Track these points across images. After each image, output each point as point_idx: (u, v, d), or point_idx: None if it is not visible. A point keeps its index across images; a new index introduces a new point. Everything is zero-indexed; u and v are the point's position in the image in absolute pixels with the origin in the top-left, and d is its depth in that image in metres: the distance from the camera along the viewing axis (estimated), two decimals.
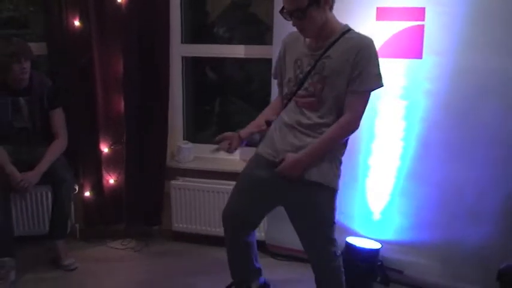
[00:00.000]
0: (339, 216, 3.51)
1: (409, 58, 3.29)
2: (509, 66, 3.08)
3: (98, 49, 3.92)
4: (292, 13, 2.48)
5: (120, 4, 3.84)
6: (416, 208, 3.42)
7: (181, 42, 4.13)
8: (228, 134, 2.87)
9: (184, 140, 4.23)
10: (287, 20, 2.55)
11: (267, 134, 2.79)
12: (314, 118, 2.61)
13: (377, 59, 2.53)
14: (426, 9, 3.22)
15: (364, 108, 2.58)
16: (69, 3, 3.86)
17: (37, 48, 3.87)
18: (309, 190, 2.66)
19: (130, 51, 3.89)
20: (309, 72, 2.60)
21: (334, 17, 2.61)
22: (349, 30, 2.60)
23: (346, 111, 2.57)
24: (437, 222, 3.37)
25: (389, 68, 3.30)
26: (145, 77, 3.92)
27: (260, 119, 2.89)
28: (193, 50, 4.19)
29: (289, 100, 2.70)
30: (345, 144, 2.72)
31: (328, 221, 2.74)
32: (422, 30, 3.24)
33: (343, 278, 2.90)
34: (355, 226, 3.56)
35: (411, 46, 3.27)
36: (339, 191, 2.73)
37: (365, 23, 3.31)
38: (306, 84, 2.61)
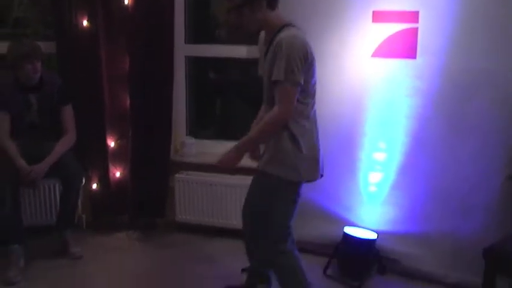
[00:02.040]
0: (336, 207, 3.72)
1: (404, 58, 3.47)
2: (496, 66, 3.27)
3: (105, 48, 4.08)
4: (230, 11, 2.68)
5: (126, 5, 4.01)
6: (410, 200, 3.60)
7: (185, 43, 4.29)
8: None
9: (187, 135, 4.39)
10: (228, 18, 2.77)
11: None
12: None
13: (292, 56, 2.55)
14: (420, 13, 3.41)
15: (288, 101, 2.61)
16: (77, 4, 4.02)
17: (46, 47, 4.00)
18: (258, 177, 2.92)
19: (136, 50, 4.06)
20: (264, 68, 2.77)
21: (276, 15, 2.73)
22: (283, 27, 2.68)
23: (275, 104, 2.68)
24: (430, 214, 3.55)
25: (385, 67, 3.51)
26: (150, 75, 4.08)
27: None
28: (196, 50, 4.36)
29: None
30: (293, 134, 2.71)
31: (272, 210, 2.85)
32: (417, 32, 3.42)
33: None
34: (352, 217, 3.73)
35: (406, 47, 3.46)
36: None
37: (361, 25, 3.52)
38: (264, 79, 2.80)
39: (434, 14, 3.38)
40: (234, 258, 3.86)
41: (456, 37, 3.35)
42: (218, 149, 4.32)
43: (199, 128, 4.68)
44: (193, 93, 4.50)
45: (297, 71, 2.55)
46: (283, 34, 2.62)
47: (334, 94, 3.60)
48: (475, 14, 3.30)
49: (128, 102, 4.17)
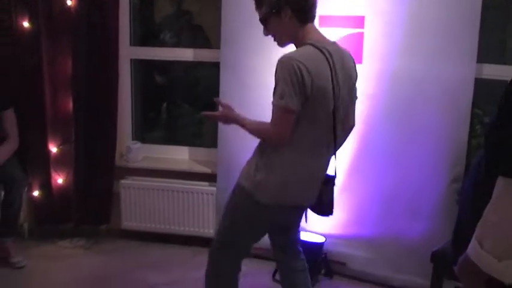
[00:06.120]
0: None
1: None
2: (440, 71, 3.34)
3: (47, 50, 3.96)
4: (260, 20, 2.50)
5: (69, 6, 3.90)
6: (359, 203, 3.63)
7: (130, 45, 4.20)
8: None
9: (133, 140, 4.31)
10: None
11: None
12: None
13: (284, 78, 2.28)
14: (365, 18, 3.45)
15: (279, 124, 2.33)
16: (18, 5, 3.89)
17: None
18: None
19: (79, 53, 3.95)
20: None
21: (306, 31, 2.47)
22: (302, 45, 2.43)
23: None
24: (377, 217, 3.60)
25: None
26: (94, 78, 3.99)
27: None
28: (142, 52, 4.27)
29: None
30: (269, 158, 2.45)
31: (230, 218, 2.61)
32: (362, 37, 3.46)
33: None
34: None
35: (352, 52, 3.47)
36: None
37: None
38: None
39: (380, 19, 3.42)
40: (181, 265, 3.84)
41: (402, 42, 3.40)
42: (165, 153, 4.31)
43: (146, 131, 4.60)
44: (139, 97, 4.41)
45: (293, 95, 2.27)
46: (288, 53, 2.36)
47: None
48: (420, 18, 3.36)
49: (71, 106, 4.05)
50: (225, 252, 2.64)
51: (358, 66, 3.42)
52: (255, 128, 2.49)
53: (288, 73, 2.27)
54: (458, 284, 3.31)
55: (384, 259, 3.61)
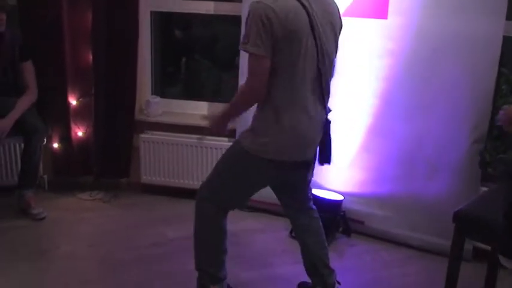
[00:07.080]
0: None
1: (375, 18, 3.41)
2: (467, 28, 3.23)
3: (67, 2, 3.91)
4: None
5: None
6: (378, 162, 3.59)
7: None
8: None
9: (152, 94, 4.29)
10: None
11: None
12: None
13: (251, 22, 2.26)
14: None
15: (251, 73, 2.32)
16: None
17: None
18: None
19: (99, 4, 3.89)
20: None
21: None
22: None
23: None
24: (398, 175, 3.56)
25: (355, 27, 3.44)
26: (113, 31, 3.94)
27: None
28: (162, 4, 4.18)
29: None
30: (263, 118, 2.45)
31: (222, 165, 2.64)
32: None
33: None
34: (319, 179, 3.69)
35: (377, 6, 3.39)
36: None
37: None
38: None
39: None
40: None
41: None
42: (184, 108, 4.29)
43: (164, 86, 4.57)
44: (158, 51, 4.37)
45: (258, 40, 2.24)
46: None
47: None
48: None
49: (91, 59, 4.02)
50: (212, 198, 2.64)
51: (382, 21, 3.40)
52: (234, 101, 2.46)
53: (255, 17, 2.24)
54: (476, 244, 3.30)
55: (402, 218, 3.59)
